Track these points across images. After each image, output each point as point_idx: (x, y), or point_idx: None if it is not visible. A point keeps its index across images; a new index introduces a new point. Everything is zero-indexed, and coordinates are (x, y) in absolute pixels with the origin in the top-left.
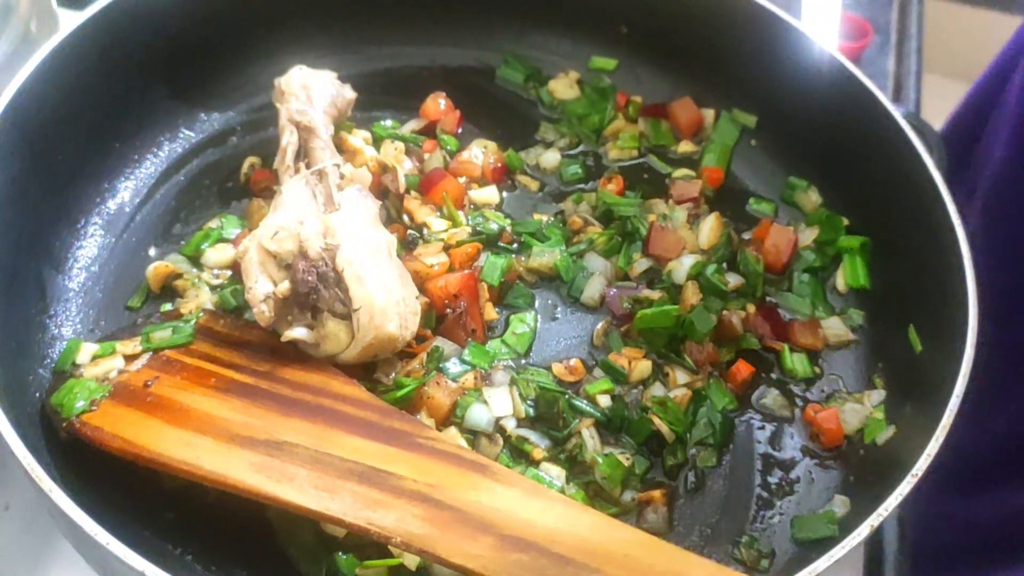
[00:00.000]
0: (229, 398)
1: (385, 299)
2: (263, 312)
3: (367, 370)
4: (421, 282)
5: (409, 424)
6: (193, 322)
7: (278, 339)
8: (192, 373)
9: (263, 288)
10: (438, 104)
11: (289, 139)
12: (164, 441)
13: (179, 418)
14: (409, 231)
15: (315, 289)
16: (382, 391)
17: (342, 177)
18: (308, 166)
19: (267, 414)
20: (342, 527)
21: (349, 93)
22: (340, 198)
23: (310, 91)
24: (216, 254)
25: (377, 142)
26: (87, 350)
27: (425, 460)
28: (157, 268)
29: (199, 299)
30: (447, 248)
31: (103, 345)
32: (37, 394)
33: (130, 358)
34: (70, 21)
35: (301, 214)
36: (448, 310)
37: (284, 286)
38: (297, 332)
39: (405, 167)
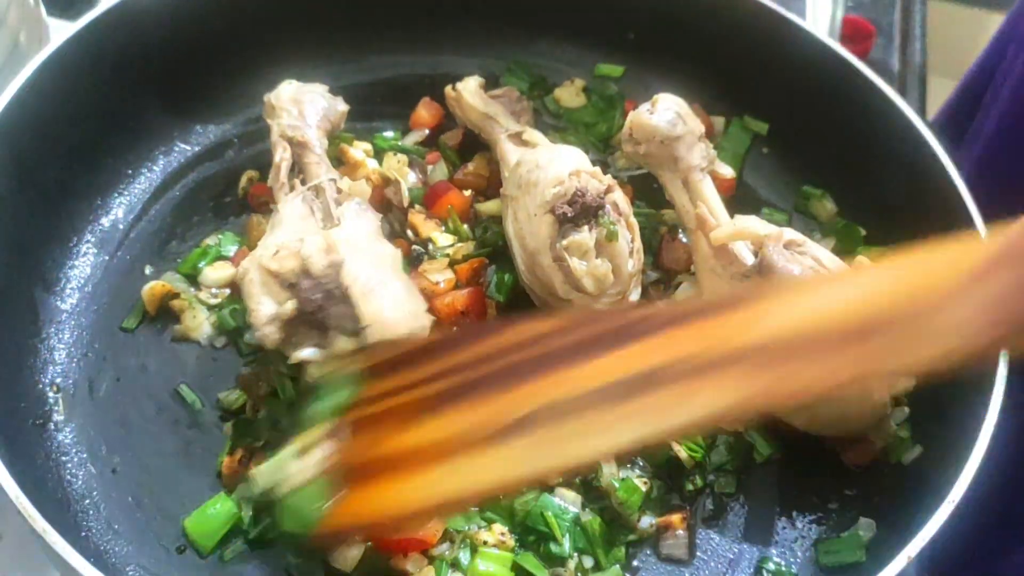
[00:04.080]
0: (443, 414)
1: (394, 313)
2: (269, 335)
3: None
4: (427, 299)
5: (619, 316)
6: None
7: (432, 335)
8: (388, 417)
9: (267, 310)
10: (429, 109)
11: (282, 155)
12: (422, 490)
13: (416, 461)
14: (414, 247)
15: (321, 307)
16: None
17: (339, 192)
18: (303, 182)
19: (487, 402)
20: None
21: (341, 106)
22: (339, 213)
23: (302, 105)
24: (214, 273)
25: (379, 154)
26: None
27: (672, 335)
28: (153, 288)
29: (197, 320)
30: (453, 264)
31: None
32: (29, 422)
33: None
34: (61, 32)
35: (301, 231)
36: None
37: (289, 306)
38: (306, 353)
39: (409, 180)
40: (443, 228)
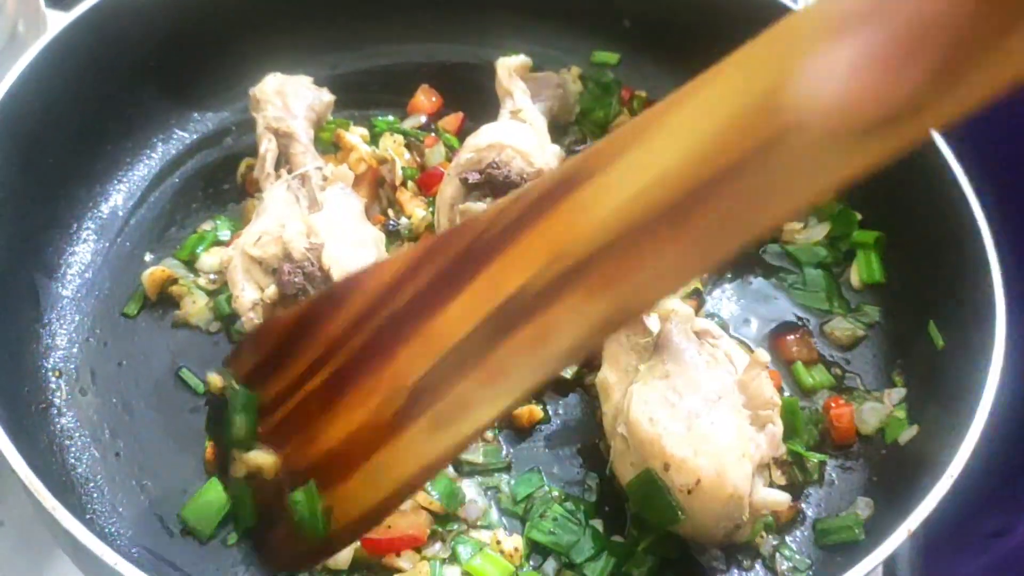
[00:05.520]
0: (346, 396)
1: None
2: (253, 319)
3: None
4: None
5: (467, 232)
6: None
7: (296, 311)
8: (301, 415)
9: (250, 295)
10: (428, 96)
11: (268, 147)
12: (383, 472)
13: (358, 446)
14: (389, 222)
15: (303, 290)
16: None
17: (325, 179)
18: (290, 172)
19: (374, 375)
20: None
21: (327, 96)
22: (323, 198)
23: (286, 97)
24: (211, 258)
25: (376, 136)
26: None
27: (526, 242)
28: (153, 274)
29: (196, 305)
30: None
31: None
32: (32, 407)
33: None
34: (58, 21)
35: (284, 217)
36: None
37: (271, 290)
38: None
39: (404, 158)
40: (428, 207)
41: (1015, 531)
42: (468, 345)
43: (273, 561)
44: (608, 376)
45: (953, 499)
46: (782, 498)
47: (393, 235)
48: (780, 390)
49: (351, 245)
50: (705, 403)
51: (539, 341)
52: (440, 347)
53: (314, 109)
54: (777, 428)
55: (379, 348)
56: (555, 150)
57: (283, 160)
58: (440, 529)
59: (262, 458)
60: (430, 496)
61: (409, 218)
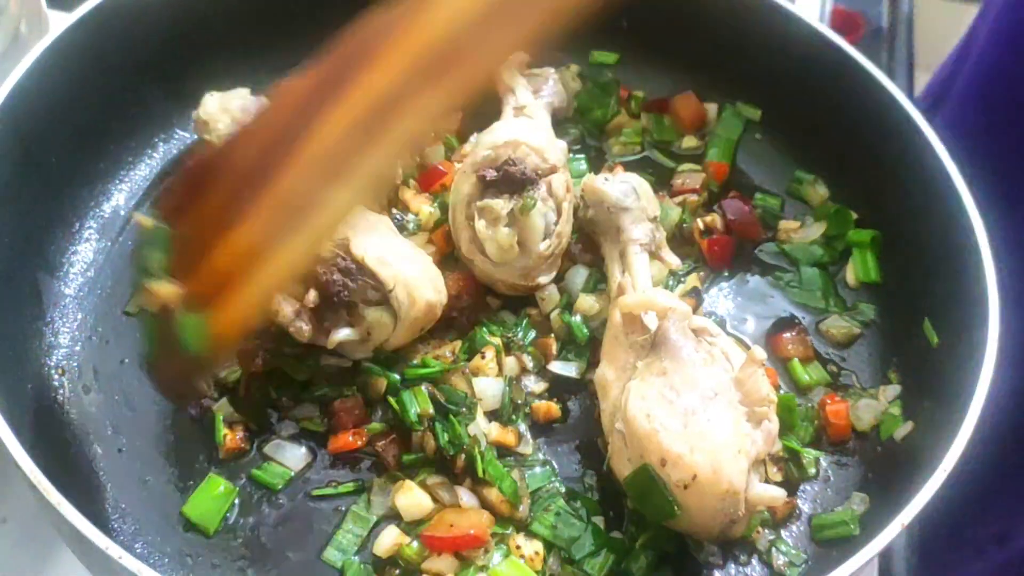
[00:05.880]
0: (234, 229)
1: (412, 270)
2: (301, 328)
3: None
4: None
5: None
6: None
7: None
8: (207, 237)
9: (289, 308)
10: None
11: None
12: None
13: (239, 269)
14: (396, 216)
15: (344, 286)
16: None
17: None
18: None
19: (261, 198)
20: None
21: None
22: None
23: (232, 112)
24: None
25: None
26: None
27: (385, 51)
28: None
29: None
30: (431, 234)
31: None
32: (36, 404)
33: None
34: (60, 22)
35: None
36: (453, 312)
37: (312, 295)
38: (342, 334)
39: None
40: (434, 203)
41: (1015, 538)
42: (337, 151)
43: (163, 386)
44: (606, 373)
45: (949, 501)
46: (778, 494)
47: (401, 230)
48: (777, 387)
49: (371, 232)
50: (702, 400)
51: (391, 137)
52: (313, 161)
53: None
54: (773, 425)
55: (265, 171)
56: (562, 145)
57: None
58: (500, 531)
59: (167, 289)
60: (502, 494)
61: (416, 215)
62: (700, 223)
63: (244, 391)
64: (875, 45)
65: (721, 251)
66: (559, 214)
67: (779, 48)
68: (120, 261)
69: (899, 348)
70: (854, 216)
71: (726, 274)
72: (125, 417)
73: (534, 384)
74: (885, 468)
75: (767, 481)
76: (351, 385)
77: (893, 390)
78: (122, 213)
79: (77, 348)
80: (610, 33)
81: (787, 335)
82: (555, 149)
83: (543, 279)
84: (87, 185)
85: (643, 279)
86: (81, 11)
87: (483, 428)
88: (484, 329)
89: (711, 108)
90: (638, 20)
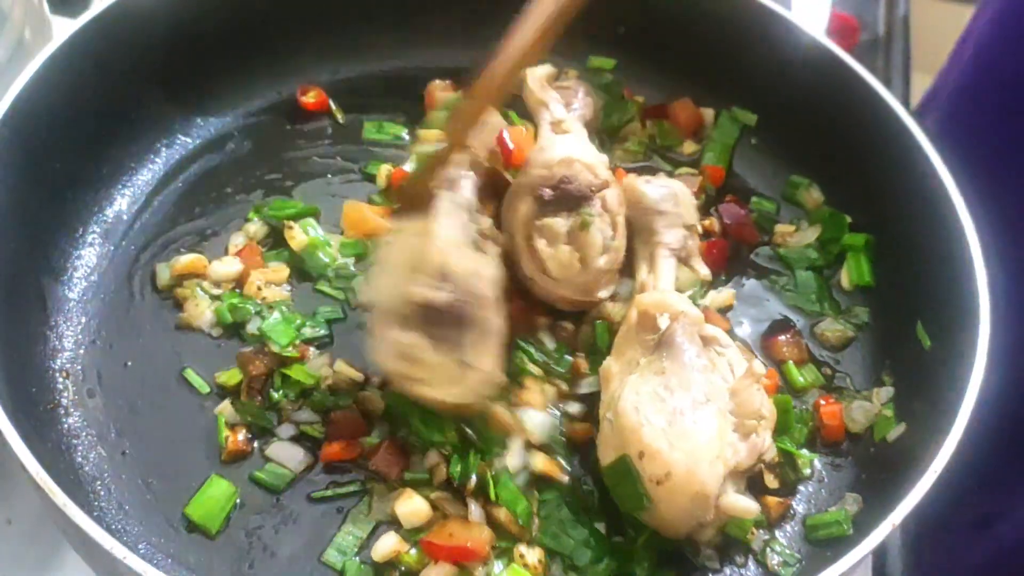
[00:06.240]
0: None
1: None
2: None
3: None
4: None
5: None
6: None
7: None
8: None
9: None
10: (442, 90)
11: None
12: None
13: None
14: None
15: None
16: None
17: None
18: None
19: None
20: None
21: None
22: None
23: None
24: (222, 267)
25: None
26: None
27: None
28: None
29: (199, 308)
30: None
31: None
32: (40, 407)
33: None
34: (64, 29)
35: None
36: None
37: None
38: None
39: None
40: None
41: (1000, 522)
42: None
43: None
44: (611, 366)
45: (939, 492)
46: (751, 507)
47: None
48: (777, 389)
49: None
50: (692, 403)
51: None
52: None
53: None
54: (760, 439)
55: None
56: (604, 159)
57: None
58: (503, 546)
59: None
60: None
61: None
62: (697, 227)
63: (245, 394)
64: (872, 50)
65: (717, 255)
66: (615, 228)
67: (775, 54)
68: (123, 266)
69: (892, 351)
70: (848, 220)
71: (723, 278)
72: (128, 420)
73: (571, 407)
74: (878, 469)
75: (763, 489)
76: (349, 397)
77: (886, 392)
78: (125, 218)
79: (81, 352)
80: (607, 39)
81: (782, 338)
82: (602, 164)
83: (603, 293)
84: (90, 190)
85: (665, 281)
86: (85, 18)
87: (521, 461)
88: (523, 355)
89: (708, 113)
90: (635, 25)
